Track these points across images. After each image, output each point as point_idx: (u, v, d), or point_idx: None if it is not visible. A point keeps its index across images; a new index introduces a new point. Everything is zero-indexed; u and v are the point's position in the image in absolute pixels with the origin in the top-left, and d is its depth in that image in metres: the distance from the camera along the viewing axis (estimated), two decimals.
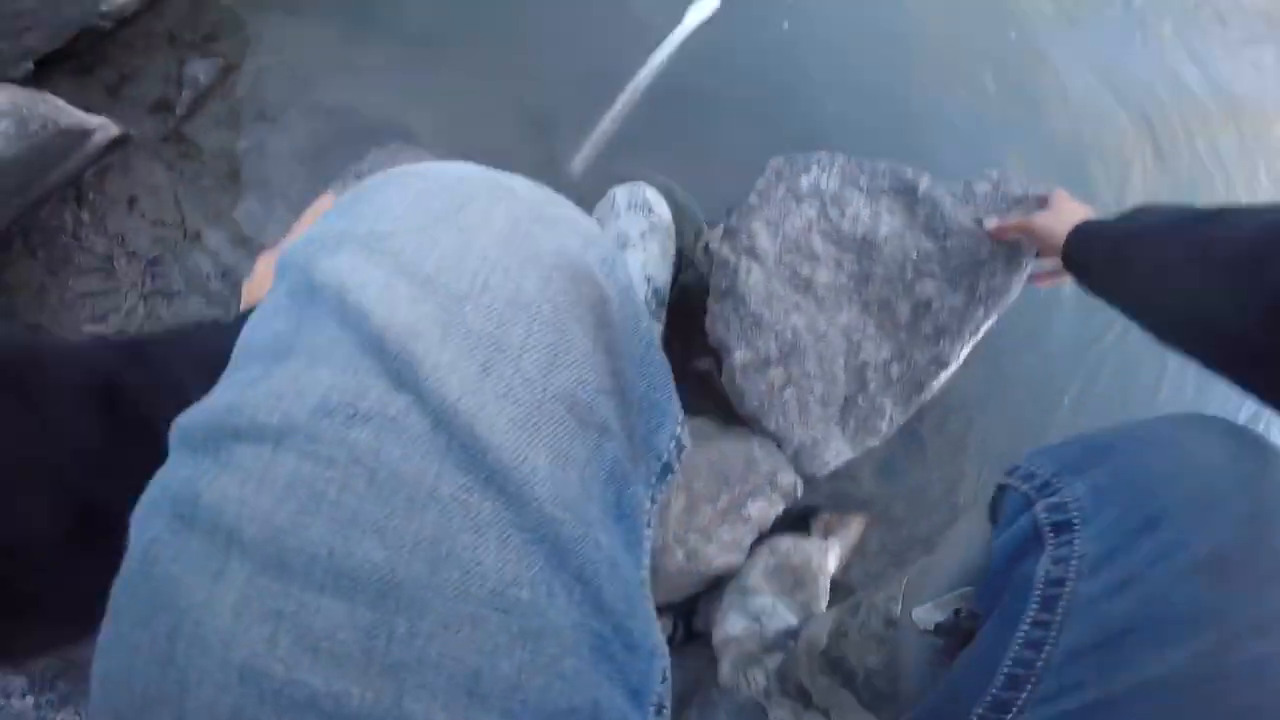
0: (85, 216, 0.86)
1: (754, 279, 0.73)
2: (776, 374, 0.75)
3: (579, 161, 0.90)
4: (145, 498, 0.20)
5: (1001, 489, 0.40)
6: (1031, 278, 0.77)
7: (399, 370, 0.20)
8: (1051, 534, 0.34)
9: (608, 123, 0.91)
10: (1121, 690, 0.30)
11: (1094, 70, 1.20)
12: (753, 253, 0.73)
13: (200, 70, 0.94)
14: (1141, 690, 0.29)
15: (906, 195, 0.77)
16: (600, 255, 0.27)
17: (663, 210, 0.84)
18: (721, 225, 0.79)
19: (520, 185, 0.28)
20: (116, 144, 0.90)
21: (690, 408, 0.83)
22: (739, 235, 0.74)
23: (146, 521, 0.19)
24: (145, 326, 0.82)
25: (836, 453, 0.78)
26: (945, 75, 1.14)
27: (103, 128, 0.88)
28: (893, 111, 1.09)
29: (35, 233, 0.85)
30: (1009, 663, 0.33)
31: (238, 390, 0.20)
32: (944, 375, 0.76)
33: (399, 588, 0.18)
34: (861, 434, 0.77)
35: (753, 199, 0.74)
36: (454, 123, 0.92)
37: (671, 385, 0.30)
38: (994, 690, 0.33)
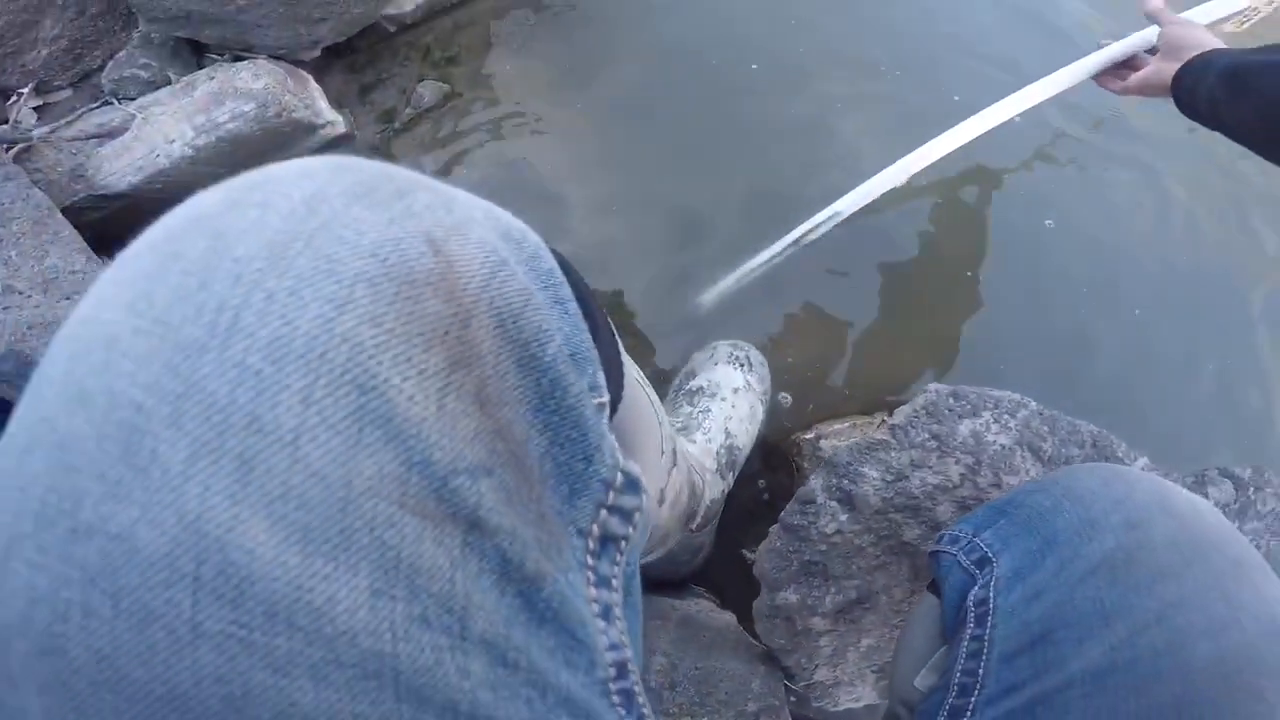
0: None
1: (835, 530, 0.57)
2: (819, 623, 0.62)
3: (711, 296, 0.78)
4: None
5: (934, 556, 0.46)
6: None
7: (119, 471, 0.15)
8: (976, 569, 0.41)
9: (758, 263, 0.76)
10: (1054, 686, 0.34)
11: None
12: (849, 501, 0.57)
13: (428, 92, 1.02)
14: (1071, 684, 0.33)
15: None
16: (479, 241, 0.18)
17: (763, 374, 0.74)
18: (814, 433, 0.66)
19: (375, 164, 0.19)
20: (340, 140, 1.01)
21: (710, 586, 0.74)
22: (840, 473, 0.58)
23: None
24: None
25: (858, 697, 0.65)
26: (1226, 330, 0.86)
27: (331, 125, 0.99)
28: (1147, 356, 0.85)
29: None
30: (958, 673, 0.39)
31: None
32: None
33: None
34: None
35: (881, 433, 0.58)
36: (607, 204, 0.89)
37: (598, 434, 0.21)
38: (950, 700, 0.39)
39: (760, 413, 0.72)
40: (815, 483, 0.59)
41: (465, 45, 1.08)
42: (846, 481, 0.57)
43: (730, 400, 0.70)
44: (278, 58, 0.99)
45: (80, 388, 0.15)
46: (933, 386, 0.60)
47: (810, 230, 0.76)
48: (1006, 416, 0.58)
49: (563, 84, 1.01)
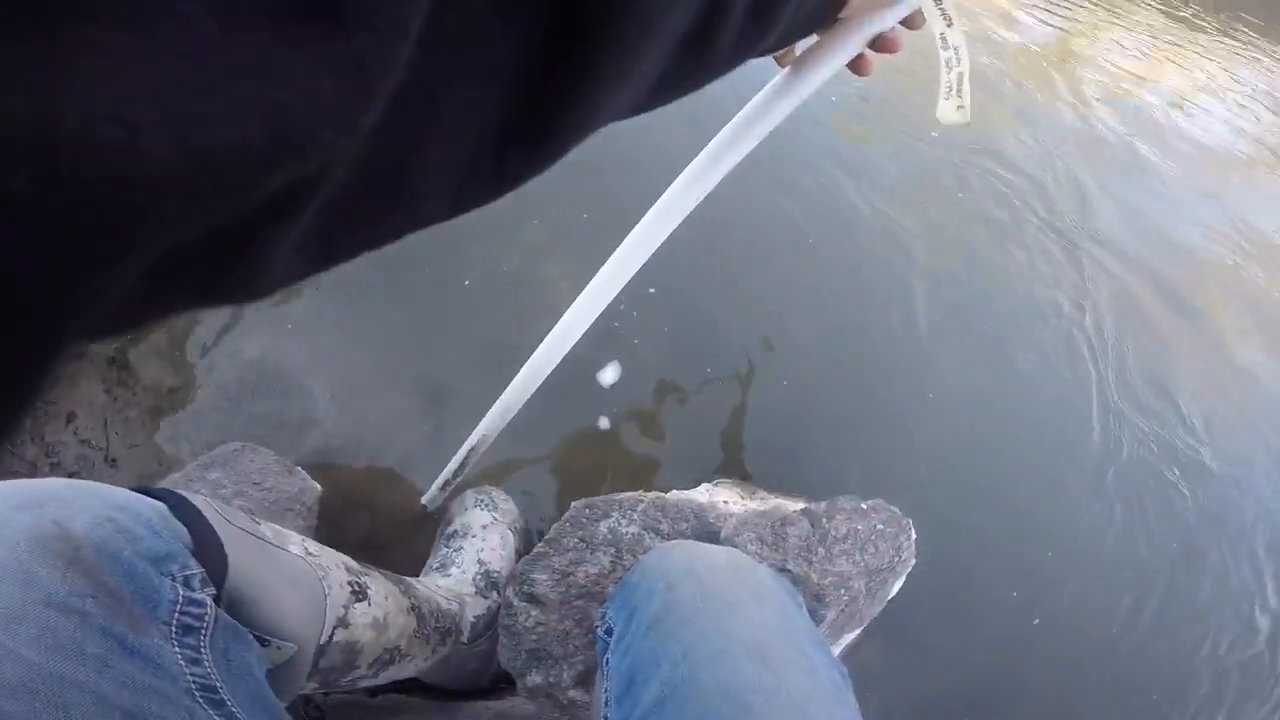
0: (27, 421, 1.00)
1: (534, 623, 0.78)
2: (576, 694, 0.79)
3: (430, 496, 0.87)
4: None
5: (595, 632, 0.58)
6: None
7: None
8: (607, 637, 0.53)
9: (457, 462, 0.83)
10: (640, 718, 0.44)
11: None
12: (534, 600, 0.77)
13: None
14: (649, 715, 0.43)
15: (707, 541, 0.87)
16: (82, 513, 0.39)
17: (507, 508, 0.96)
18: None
19: (41, 486, 0.41)
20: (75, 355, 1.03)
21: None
22: (520, 582, 0.78)
23: None
24: None
25: None
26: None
27: None
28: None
29: None
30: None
31: None
32: None
33: None
34: None
35: (540, 546, 0.79)
36: (352, 387, 1.01)
37: (160, 581, 0.41)
38: None
39: (512, 539, 0.93)
40: (509, 591, 0.79)
41: None
42: (526, 586, 0.77)
43: (480, 535, 0.91)
44: None
45: None
46: (573, 503, 0.81)
47: (481, 440, 0.78)
48: (630, 511, 0.79)
49: None
